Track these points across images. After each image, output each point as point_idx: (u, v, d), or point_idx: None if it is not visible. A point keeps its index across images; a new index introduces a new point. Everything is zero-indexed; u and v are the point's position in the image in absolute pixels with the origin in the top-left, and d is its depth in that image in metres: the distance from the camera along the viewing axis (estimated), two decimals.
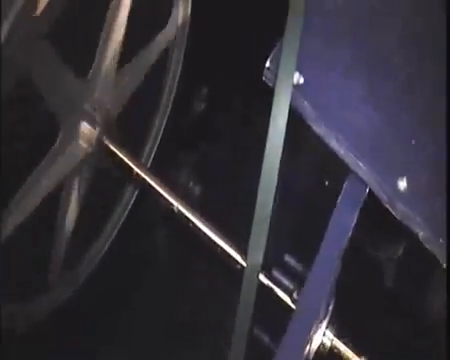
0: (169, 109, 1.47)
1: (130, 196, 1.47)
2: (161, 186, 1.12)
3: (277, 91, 0.88)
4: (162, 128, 1.48)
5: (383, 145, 0.99)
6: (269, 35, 0.91)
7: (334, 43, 0.98)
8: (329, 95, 0.96)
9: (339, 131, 0.96)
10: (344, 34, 0.99)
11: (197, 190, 1.60)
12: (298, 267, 1.27)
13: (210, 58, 1.52)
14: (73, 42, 1.09)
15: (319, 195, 1.34)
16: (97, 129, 1.11)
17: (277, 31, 0.89)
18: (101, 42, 1.09)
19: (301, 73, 0.92)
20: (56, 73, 1.03)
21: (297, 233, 1.41)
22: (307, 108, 0.94)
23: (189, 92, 1.57)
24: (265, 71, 0.93)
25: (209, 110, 1.64)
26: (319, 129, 0.95)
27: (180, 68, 1.44)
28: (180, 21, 1.33)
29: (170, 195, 1.11)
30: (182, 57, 1.42)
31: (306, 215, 1.40)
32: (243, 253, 1.01)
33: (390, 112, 0.99)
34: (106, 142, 1.13)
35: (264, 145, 0.88)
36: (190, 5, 1.33)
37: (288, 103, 0.88)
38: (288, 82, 0.88)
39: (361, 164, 0.97)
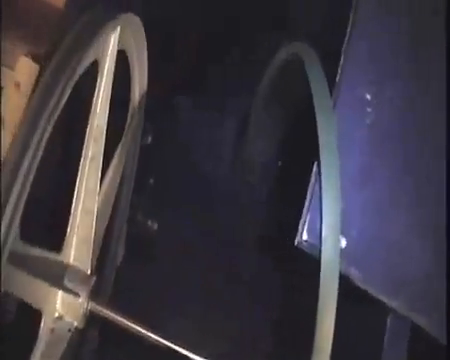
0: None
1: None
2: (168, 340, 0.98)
3: (324, 265, 0.80)
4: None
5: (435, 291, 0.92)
6: None
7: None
8: (373, 256, 0.89)
9: (389, 289, 0.89)
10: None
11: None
12: None
13: None
14: None
15: None
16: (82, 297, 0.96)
17: None
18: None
19: (343, 235, 0.85)
20: None
21: None
22: (352, 271, 0.87)
23: None
24: (299, 240, 0.85)
25: None
26: (367, 288, 0.88)
27: None
28: None
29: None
30: None
31: None
32: None
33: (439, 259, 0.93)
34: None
35: None
36: None
37: (337, 274, 0.80)
38: (335, 253, 0.80)
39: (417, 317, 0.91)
